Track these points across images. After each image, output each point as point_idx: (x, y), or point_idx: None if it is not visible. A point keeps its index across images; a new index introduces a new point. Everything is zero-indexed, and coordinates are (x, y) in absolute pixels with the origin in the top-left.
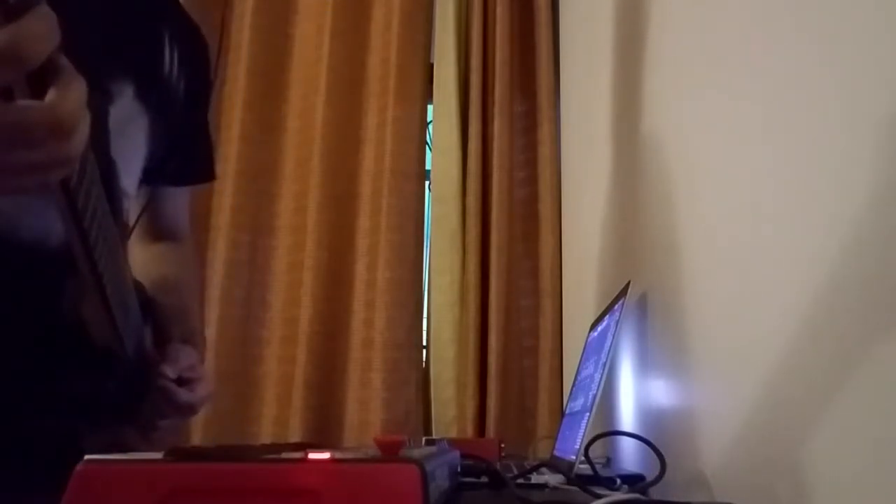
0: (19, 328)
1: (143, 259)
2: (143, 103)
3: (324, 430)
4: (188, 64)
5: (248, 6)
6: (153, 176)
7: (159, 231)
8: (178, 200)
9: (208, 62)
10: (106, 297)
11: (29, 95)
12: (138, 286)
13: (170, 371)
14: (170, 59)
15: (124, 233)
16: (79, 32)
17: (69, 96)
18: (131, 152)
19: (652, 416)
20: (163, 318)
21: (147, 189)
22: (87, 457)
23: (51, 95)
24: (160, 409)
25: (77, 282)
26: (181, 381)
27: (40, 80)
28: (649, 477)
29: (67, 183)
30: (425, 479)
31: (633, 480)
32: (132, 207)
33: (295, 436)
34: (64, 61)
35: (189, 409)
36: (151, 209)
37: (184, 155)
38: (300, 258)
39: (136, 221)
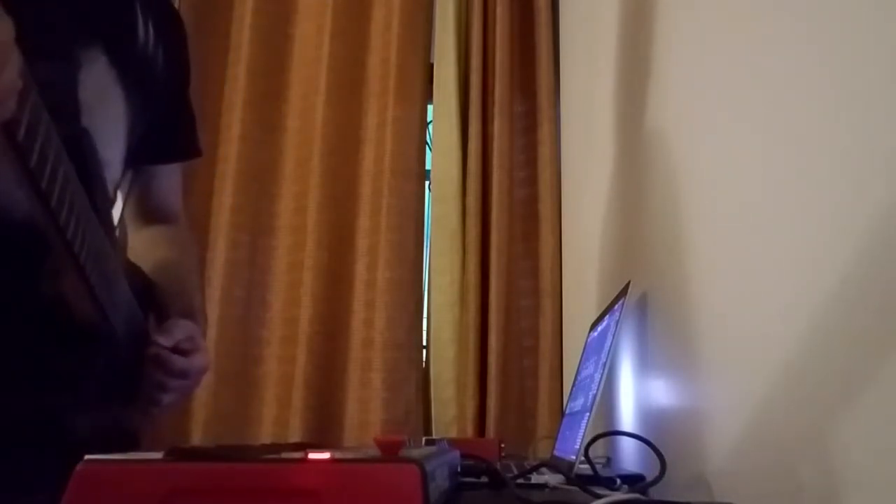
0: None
1: (137, 243)
2: (117, 72)
3: (324, 430)
4: (164, 36)
5: (247, 6)
6: (138, 156)
7: (151, 213)
8: (168, 180)
9: (185, 36)
10: (80, 265)
11: None
12: (137, 270)
13: (163, 340)
14: (144, 30)
15: (109, 204)
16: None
17: None
18: (110, 123)
19: (652, 416)
20: (163, 300)
21: (133, 171)
22: (87, 457)
23: None
24: (158, 380)
25: (54, 256)
26: (178, 352)
27: None
28: (649, 477)
29: (13, 131)
30: (425, 479)
31: (633, 480)
32: (121, 185)
33: (295, 436)
34: None
35: (184, 376)
36: (139, 191)
37: (167, 131)
38: (300, 258)
39: (125, 200)
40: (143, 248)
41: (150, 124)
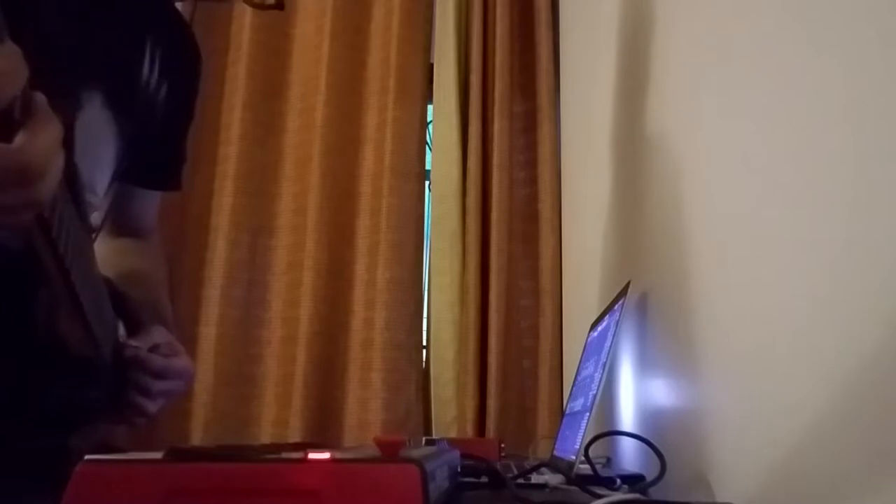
0: None
1: (104, 252)
2: (111, 111)
3: (324, 430)
4: (172, 72)
5: (247, 6)
6: (122, 175)
7: (122, 228)
8: (146, 202)
9: (197, 70)
10: (81, 308)
11: None
12: (106, 281)
13: (138, 342)
14: (150, 68)
15: (91, 233)
16: (54, 37)
17: (40, 139)
18: (98, 154)
19: (652, 416)
20: (133, 310)
21: (114, 186)
22: (86, 457)
23: (20, 138)
24: (140, 385)
25: (49, 295)
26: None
27: (8, 120)
28: (649, 477)
29: (44, 219)
30: (425, 479)
31: (633, 480)
32: (102, 205)
33: (295, 436)
34: (38, 99)
35: (163, 376)
36: (116, 206)
37: (155, 163)
38: (300, 258)
39: (105, 219)
40: (111, 256)
41: (139, 154)
